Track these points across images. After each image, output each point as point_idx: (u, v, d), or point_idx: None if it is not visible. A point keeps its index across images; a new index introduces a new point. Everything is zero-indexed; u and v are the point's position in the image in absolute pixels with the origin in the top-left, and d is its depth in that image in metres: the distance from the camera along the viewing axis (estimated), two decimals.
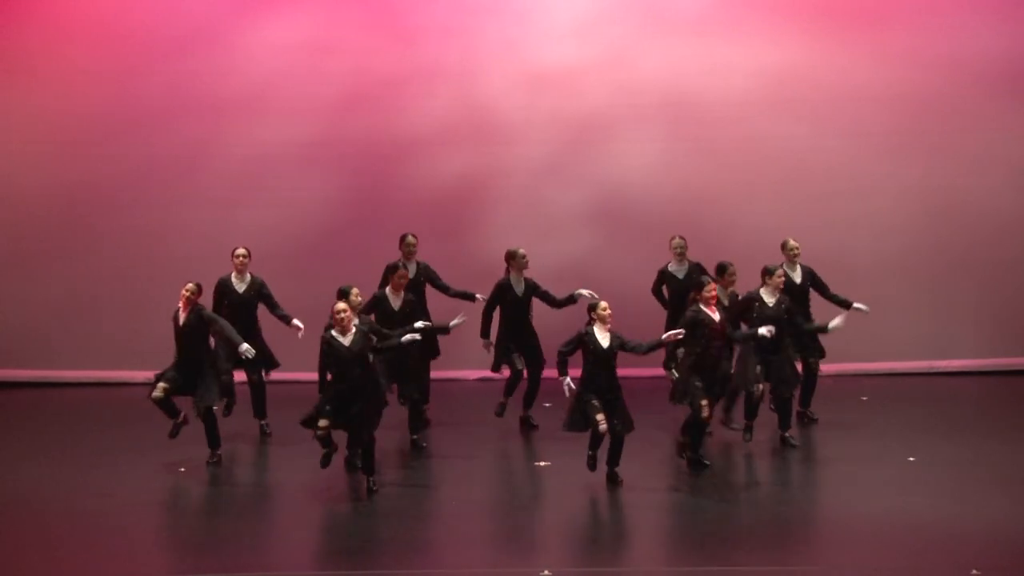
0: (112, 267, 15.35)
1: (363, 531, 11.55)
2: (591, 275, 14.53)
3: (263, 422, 13.65)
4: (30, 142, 15.71)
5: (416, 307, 13.19)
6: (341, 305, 11.91)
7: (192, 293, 12.51)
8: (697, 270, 13.79)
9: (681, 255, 13.89)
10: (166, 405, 12.55)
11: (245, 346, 12.47)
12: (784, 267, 13.44)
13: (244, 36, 15.67)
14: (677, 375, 12.73)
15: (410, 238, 13.75)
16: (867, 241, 14.34)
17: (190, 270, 13.72)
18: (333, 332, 11.86)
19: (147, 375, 14.60)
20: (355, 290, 12.61)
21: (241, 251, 13.48)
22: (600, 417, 11.76)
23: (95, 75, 15.63)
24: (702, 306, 12.23)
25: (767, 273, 12.76)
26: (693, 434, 12.26)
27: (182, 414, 12.36)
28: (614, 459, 11.98)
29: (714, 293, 12.26)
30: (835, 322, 12.77)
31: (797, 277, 13.53)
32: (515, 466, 13.00)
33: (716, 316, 12.22)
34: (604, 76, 15.71)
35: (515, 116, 15.82)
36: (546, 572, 10.48)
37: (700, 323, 12.17)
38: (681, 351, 12.72)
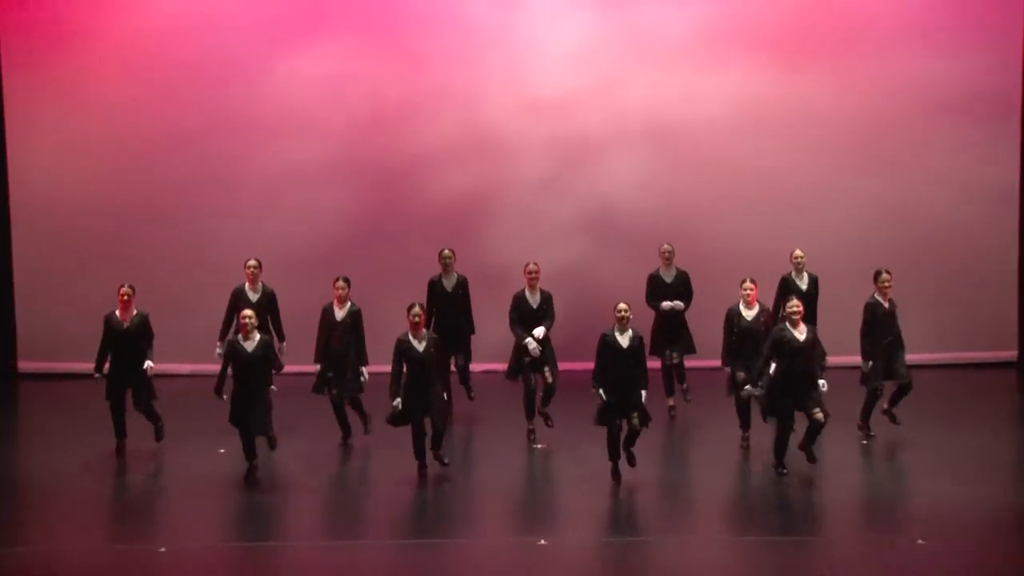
0: (156, 270, 15.40)
1: (376, 508, 11.74)
2: (582, 279, 14.60)
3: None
4: (86, 160, 15.74)
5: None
6: (247, 312, 11.85)
7: (128, 296, 12.49)
8: (684, 277, 13.77)
9: (669, 261, 13.77)
10: (120, 414, 12.71)
11: (149, 364, 12.46)
12: (792, 274, 13.56)
13: (274, 67, 15.69)
14: (758, 391, 12.00)
15: (446, 251, 13.62)
16: (828, 248, 14.37)
17: (224, 273, 13.92)
18: (239, 336, 11.79)
19: (188, 367, 14.87)
20: (337, 282, 12.71)
21: (252, 262, 13.39)
22: (619, 422, 11.64)
23: (143, 102, 15.67)
24: (787, 324, 11.77)
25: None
26: (779, 448, 11.93)
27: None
28: (629, 442, 11.79)
29: (799, 310, 11.73)
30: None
31: (803, 284, 13.56)
32: (517, 450, 13.02)
33: (800, 334, 11.73)
34: (594, 102, 15.77)
35: (515, 137, 15.86)
36: (543, 541, 10.80)
37: (783, 341, 11.72)
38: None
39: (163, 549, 10.75)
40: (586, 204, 15.88)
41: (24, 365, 15.86)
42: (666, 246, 13.78)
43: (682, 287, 13.74)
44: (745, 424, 12.78)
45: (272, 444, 11.99)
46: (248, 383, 11.85)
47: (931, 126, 15.73)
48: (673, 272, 13.76)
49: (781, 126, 15.76)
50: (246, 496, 11.95)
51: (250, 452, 11.97)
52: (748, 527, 11.22)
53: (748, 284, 12.63)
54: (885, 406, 12.89)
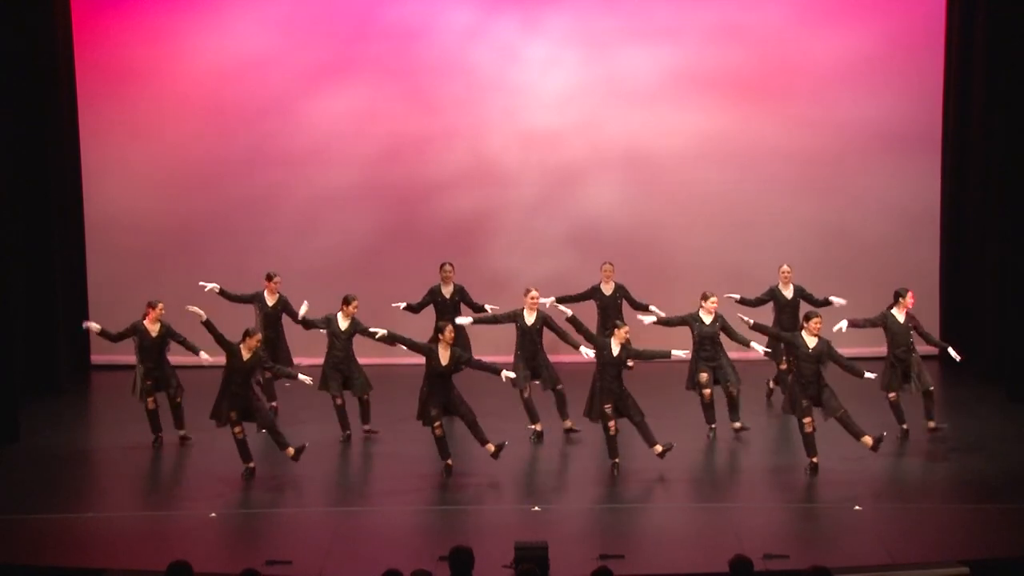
0: (210, 279, 14.95)
1: (385, 480, 11.67)
2: (568, 285, 14.54)
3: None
4: (151, 186, 15.73)
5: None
6: (255, 339, 11.54)
7: (161, 310, 12.50)
8: (621, 289, 13.72)
9: (609, 277, 13.79)
10: (156, 415, 12.55)
11: (203, 355, 12.27)
12: (779, 286, 13.46)
13: (308, 106, 15.67)
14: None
15: (447, 267, 13.64)
16: (774, 260, 14.31)
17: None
18: (242, 346, 11.52)
19: None
20: (355, 301, 12.48)
21: (277, 278, 13.39)
22: (611, 423, 11.44)
23: (199, 136, 15.67)
24: (804, 333, 11.54)
25: (704, 297, 12.51)
26: (804, 440, 11.50)
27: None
28: (649, 441, 11.54)
29: (817, 325, 11.47)
30: (756, 346, 12.33)
31: (789, 294, 13.47)
32: (512, 433, 12.69)
33: (811, 344, 11.44)
34: (578, 136, 15.74)
35: (512, 166, 15.84)
36: (536, 508, 10.71)
37: (794, 346, 11.57)
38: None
39: (213, 514, 10.69)
40: (572, 222, 15.88)
41: (96, 358, 15.81)
42: (607, 265, 13.87)
43: (618, 298, 13.74)
44: (709, 419, 12.63)
45: (281, 442, 11.64)
46: (244, 388, 11.57)
47: (863, 157, 15.69)
48: (612, 286, 13.73)
49: (736, 156, 15.73)
50: (279, 470, 11.87)
51: (247, 454, 11.67)
52: (705, 496, 11.25)
53: (712, 298, 12.54)
54: (931, 425, 12.47)
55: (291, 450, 11.55)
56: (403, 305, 13.36)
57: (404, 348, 11.70)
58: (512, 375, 11.81)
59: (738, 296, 13.43)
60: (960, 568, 8.75)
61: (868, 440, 11.51)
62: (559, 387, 12.56)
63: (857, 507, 10.57)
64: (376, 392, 12.78)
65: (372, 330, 11.90)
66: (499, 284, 14.54)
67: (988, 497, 10.85)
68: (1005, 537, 9.94)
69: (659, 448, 11.53)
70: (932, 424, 12.51)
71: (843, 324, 12.34)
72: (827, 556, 9.32)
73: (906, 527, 10.27)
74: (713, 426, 12.60)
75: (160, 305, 12.61)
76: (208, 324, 11.75)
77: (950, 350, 12.55)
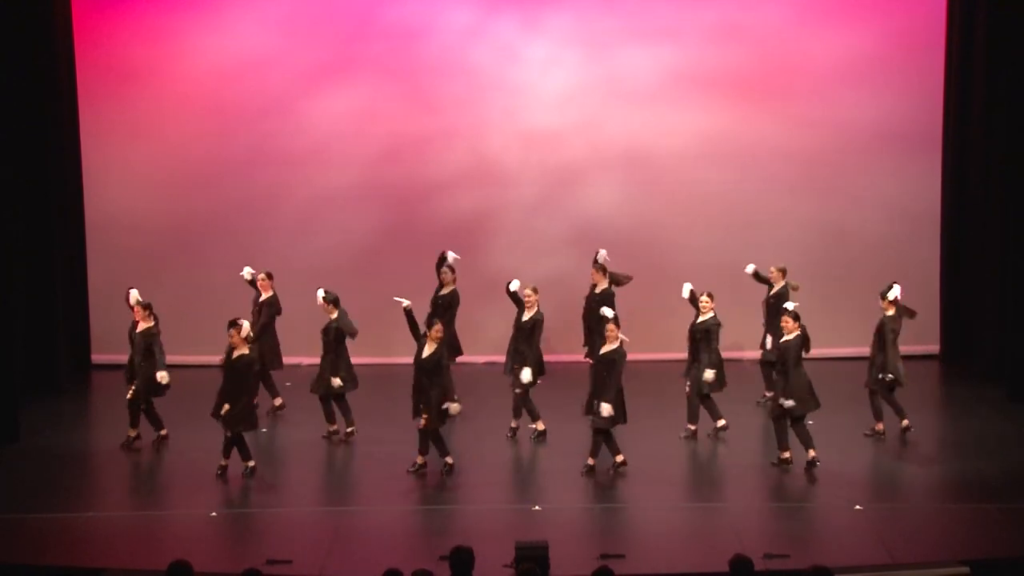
0: (207, 280, 15.38)
1: (393, 479, 11.59)
2: (568, 284, 14.56)
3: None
4: (151, 186, 15.73)
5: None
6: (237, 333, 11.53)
7: (139, 310, 12.45)
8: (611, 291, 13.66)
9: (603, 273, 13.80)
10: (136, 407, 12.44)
11: (160, 374, 12.12)
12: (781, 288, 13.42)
13: (309, 106, 15.67)
14: None
15: (449, 271, 13.70)
16: (774, 260, 14.26)
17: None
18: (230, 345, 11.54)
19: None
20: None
21: (261, 275, 13.50)
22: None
23: (199, 136, 15.67)
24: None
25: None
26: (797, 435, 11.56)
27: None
28: (593, 453, 11.49)
29: (785, 324, 11.64)
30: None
31: (773, 291, 13.46)
32: (515, 432, 12.86)
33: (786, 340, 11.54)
34: (579, 136, 15.74)
35: (512, 166, 15.84)
36: (536, 507, 10.71)
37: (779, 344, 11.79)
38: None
39: (213, 514, 10.69)
40: (572, 222, 15.86)
41: (96, 358, 15.78)
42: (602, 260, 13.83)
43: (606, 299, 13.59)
44: (691, 417, 12.62)
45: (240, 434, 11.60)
46: (231, 387, 11.53)
47: (863, 157, 15.68)
48: (605, 283, 13.74)
49: (736, 156, 15.72)
50: (279, 470, 11.92)
51: (246, 453, 11.64)
52: (705, 496, 11.25)
53: (705, 297, 12.55)
54: (878, 428, 12.49)
55: (225, 464, 11.47)
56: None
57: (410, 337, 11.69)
58: (457, 406, 11.44)
59: (752, 269, 13.49)
60: (960, 568, 8.76)
61: (786, 455, 11.59)
62: (517, 390, 12.50)
63: (857, 507, 10.58)
64: (376, 392, 12.78)
65: (397, 299, 11.77)
66: (499, 284, 14.41)
67: (988, 497, 10.87)
68: (1005, 537, 9.97)
69: (592, 462, 11.47)
70: (880, 427, 12.47)
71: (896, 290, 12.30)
72: (827, 556, 9.31)
73: (906, 527, 10.28)
74: (689, 426, 12.62)
75: (137, 308, 12.46)
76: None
77: (886, 376, 12.31)
